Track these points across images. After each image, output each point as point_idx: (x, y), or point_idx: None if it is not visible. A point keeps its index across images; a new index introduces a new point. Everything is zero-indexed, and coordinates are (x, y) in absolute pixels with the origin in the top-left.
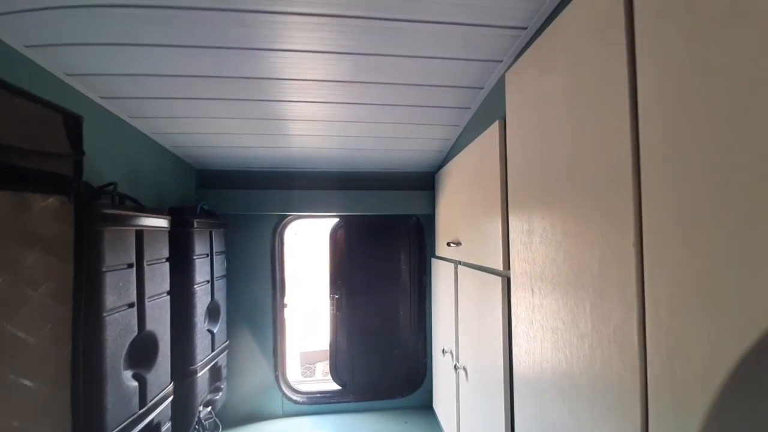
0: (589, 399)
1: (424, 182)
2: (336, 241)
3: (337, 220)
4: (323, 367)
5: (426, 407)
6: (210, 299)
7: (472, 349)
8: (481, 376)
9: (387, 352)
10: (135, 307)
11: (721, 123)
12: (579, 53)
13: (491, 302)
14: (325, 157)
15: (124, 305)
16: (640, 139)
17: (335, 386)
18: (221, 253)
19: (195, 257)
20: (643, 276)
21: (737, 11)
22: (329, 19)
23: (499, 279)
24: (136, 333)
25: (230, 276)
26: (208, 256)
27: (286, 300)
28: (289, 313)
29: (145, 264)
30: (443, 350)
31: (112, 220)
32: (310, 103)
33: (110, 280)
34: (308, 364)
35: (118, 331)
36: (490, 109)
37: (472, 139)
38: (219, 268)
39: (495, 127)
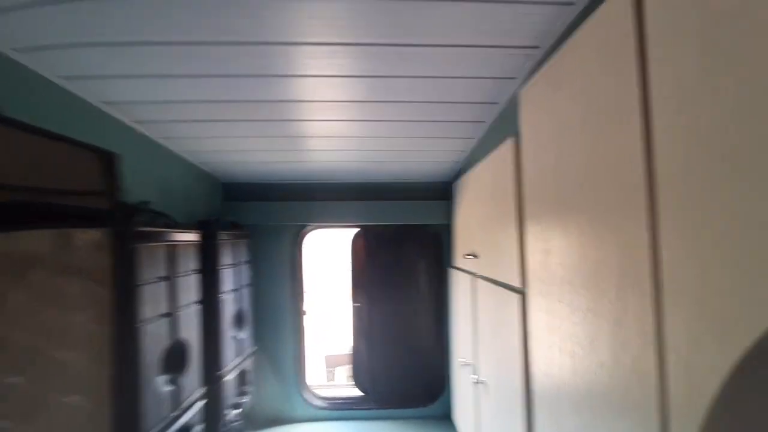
0: (610, 429)
1: (441, 192)
2: (356, 250)
3: (357, 229)
4: (344, 372)
5: (446, 418)
6: (236, 307)
7: (492, 365)
8: (501, 394)
9: (407, 361)
10: (169, 317)
11: (732, 154)
12: (589, 76)
13: (508, 319)
14: (343, 170)
15: (157, 316)
16: (654, 164)
17: (357, 392)
18: (246, 262)
19: (221, 267)
20: (660, 306)
21: (751, 45)
22: (342, 47)
23: (515, 296)
24: (169, 341)
25: (254, 284)
26: (233, 266)
27: (305, 307)
28: (308, 320)
29: (176, 276)
30: (463, 362)
31: (146, 238)
32: (328, 122)
33: (145, 294)
34: (332, 367)
35: (152, 340)
36: (505, 123)
37: (488, 151)
38: (244, 277)
39: (509, 143)
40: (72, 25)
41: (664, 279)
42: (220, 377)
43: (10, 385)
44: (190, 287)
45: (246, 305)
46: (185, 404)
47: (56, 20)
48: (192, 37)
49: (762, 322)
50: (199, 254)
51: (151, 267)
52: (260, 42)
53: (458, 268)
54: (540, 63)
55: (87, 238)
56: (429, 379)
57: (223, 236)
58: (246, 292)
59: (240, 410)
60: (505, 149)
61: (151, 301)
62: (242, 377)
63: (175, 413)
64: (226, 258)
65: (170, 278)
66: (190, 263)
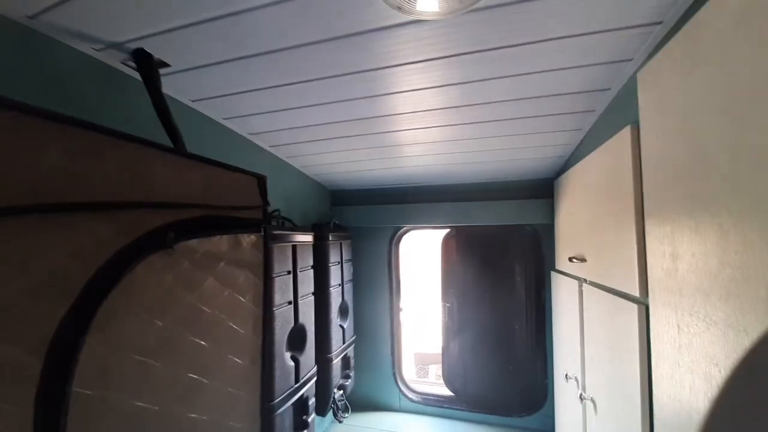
0: None
1: (541, 190)
2: (447, 250)
3: (448, 230)
4: (436, 370)
5: None
6: (341, 300)
7: (602, 381)
8: (614, 414)
9: (501, 366)
10: (292, 305)
11: None
12: (732, 49)
13: (625, 331)
14: (436, 173)
15: (285, 302)
16: None
17: (447, 392)
18: (349, 260)
19: (330, 264)
20: None
21: None
22: (436, 61)
23: (635, 307)
24: (293, 324)
25: (355, 280)
26: (339, 263)
27: (402, 304)
28: (404, 316)
29: (298, 270)
30: (566, 375)
31: (278, 239)
32: (422, 129)
33: (277, 284)
34: (422, 365)
35: (281, 322)
36: (620, 110)
37: (599, 142)
38: (347, 274)
39: (626, 132)
40: (229, 80)
41: None
42: (330, 359)
43: (200, 346)
44: (307, 280)
45: (349, 299)
46: (303, 379)
47: (219, 77)
48: (319, 75)
49: None
50: (312, 253)
51: (280, 262)
52: (364, 70)
53: (562, 272)
54: (663, 40)
55: (249, 240)
56: (526, 389)
57: (331, 237)
58: (348, 287)
59: (343, 391)
60: (621, 139)
61: (281, 290)
62: (346, 362)
63: (296, 385)
64: (333, 256)
65: (294, 272)
66: (307, 260)
